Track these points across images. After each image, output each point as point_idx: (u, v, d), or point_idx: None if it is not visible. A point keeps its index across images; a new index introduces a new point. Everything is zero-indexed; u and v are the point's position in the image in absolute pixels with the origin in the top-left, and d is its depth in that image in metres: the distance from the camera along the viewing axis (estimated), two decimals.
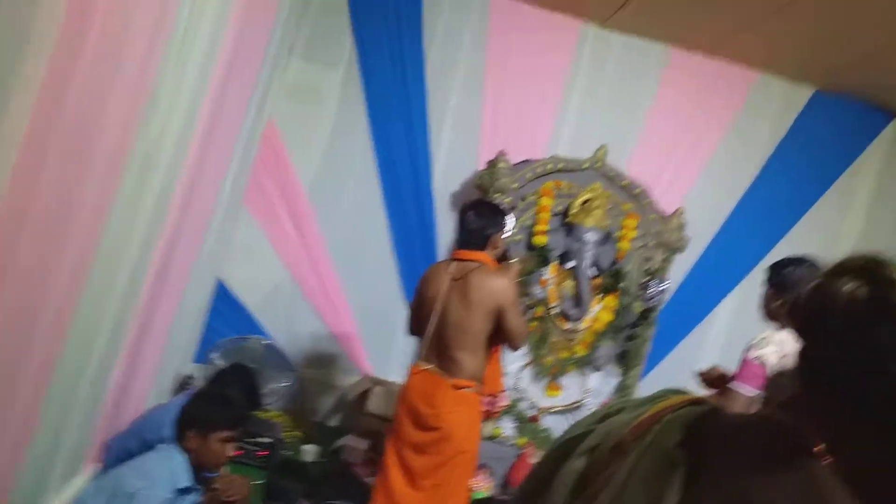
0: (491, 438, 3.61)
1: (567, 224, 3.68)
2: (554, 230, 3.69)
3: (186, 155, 2.26)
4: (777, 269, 2.37)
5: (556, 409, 3.81)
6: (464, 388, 2.65)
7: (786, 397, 0.76)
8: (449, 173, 3.99)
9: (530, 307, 3.67)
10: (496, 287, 2.63)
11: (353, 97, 3.91)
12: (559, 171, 3.71)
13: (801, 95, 4.11)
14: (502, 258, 2.88)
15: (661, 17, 3.66)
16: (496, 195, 3.58)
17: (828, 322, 0.71)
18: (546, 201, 3.66)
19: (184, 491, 2.12)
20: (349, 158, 3.95)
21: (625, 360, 3.85)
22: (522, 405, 3.77)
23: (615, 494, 0.75)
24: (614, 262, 3.76)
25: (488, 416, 2.92)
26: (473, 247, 2.73)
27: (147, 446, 2.24)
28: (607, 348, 3.80)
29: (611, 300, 3.77)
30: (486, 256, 2.72)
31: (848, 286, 0.69)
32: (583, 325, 3.74)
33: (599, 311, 3.76)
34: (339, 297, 4.00)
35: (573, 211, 3.65)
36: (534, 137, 3.97)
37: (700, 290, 4.14)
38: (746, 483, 0.69)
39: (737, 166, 4.14)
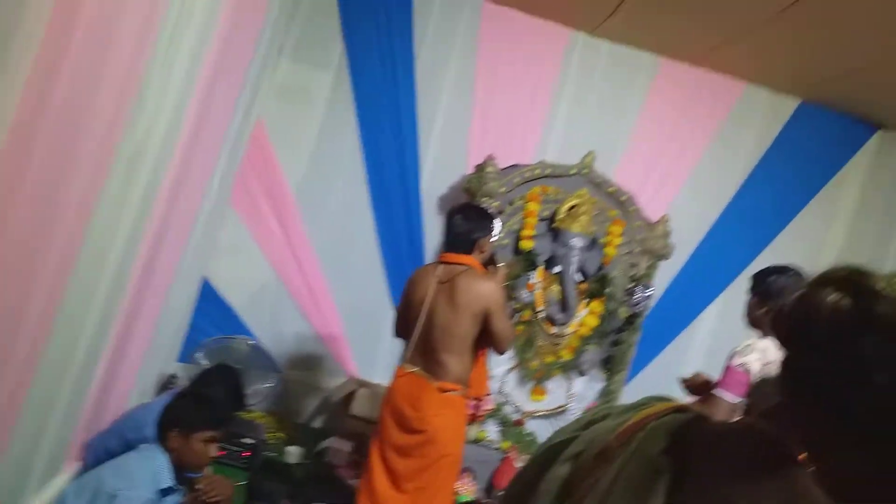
0: (476, 442, 3.61)
1: (554, 229, 3.70)
2: (541, 235, 3.71)
3: (173, 154, 2.25)
4: (761, 278, 2.39)
5: (541, 413, 3.82)
6: (449, 391, 2.65)
7: (769, 406, 0.77)
8: (437, 176, 3.99)
9: (517, 311, 3.68)
10: (483, 290, 2.64)
11: (342, 99, 3.91)
12: (546, 176, 3.73)
13: (786, 106, 4.15)
14: (489, 262, 2.89)
15: (650, 27, 3.69)
16: (484, 199, 3.59)
17: (812, 333, 0.71)
18: (533, 206, 3.67)
19: (166, 491, 2.10)
20: (337, 160, 3.94)
21: (609, 365, 3.87)
22: (507, 409, 3.77)
23: (599, 501, 0.76)
24: (600, 268, 3.78)
25: (473, 419, 2.92)
26: (461, 250, 2.73)
27: (129, 446, 2.22)
28: (592, 353, 3.82)
29: (596, 305, 3.78)
30: (473, 260, 2.73)
31: (832, 297, 0.70)
32: (569, 329, 3.76)
33: (585, 316, 3.78)
34: (326, 298, 3.99)
35: (560, 216, 3.67)
36: (522, 142, 3.99)
37: (684, 297, 4.17)
38: (730, 490, 0.69)
39: (722, 175, 4.18)
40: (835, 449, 0.70)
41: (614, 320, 3.82)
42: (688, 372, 2.56)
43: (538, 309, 3.72)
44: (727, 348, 2.31)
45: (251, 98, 3.31)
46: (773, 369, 2.10)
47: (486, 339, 2.71)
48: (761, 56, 3.69)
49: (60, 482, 2.21)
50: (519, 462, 3.64)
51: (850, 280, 0.71)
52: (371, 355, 3.99)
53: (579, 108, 4.04)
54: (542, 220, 3.71)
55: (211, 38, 2.23)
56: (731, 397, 2.19)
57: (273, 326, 3.95)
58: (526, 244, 3.68)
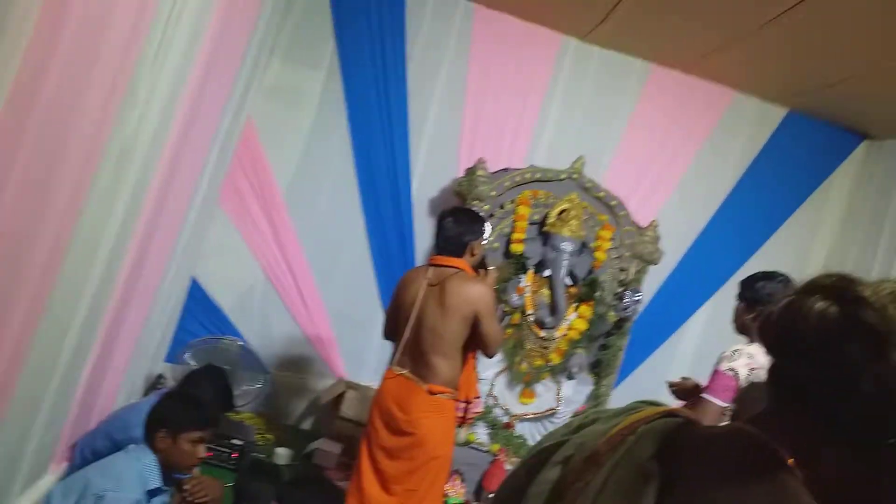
0: (465, 444, 3.61)
1: (544, 233, 3.71)
2: (531, 239, 3.72)
3: (162, 153, 2.24)
4: (749, 284, 2.41)
5: (530, 416, 3.82)
6: (438, 393, 2.65)
7: (757, 413, 0.78)
8: (428, 179, 4.00)
9: (506, 314, 3.69)
10: (473, 293, 2.64)
11: (333, 100, 3.90)
12: (537, 180, 3.74)
13: (775, 115, 4.19)
14: (480, 265, 2.89)
15: (641, 34, 3.71)
16: (474, 202, 3.60)
17: (799, 340, 0.72)
18: (523, 210, 3.68)
19: (153, 492, 2.09)
20: (328, 161, 3.94)
21: (598, 368, 3.88)
22: (497, 412, 3.78)
23: None
24: (590, 272, 3.79)
25: (462, 421, 2.92)
26: (451, 253, 2.73)
27: (116, 446, 2.21)
28: (581, 357, 3.83)
29: (586, 309, 3.80)
30: (463, 263, 2.73)
31: (819, 304, 0.71)
32: (558, 333, 3.77)
33: (574, 319, 3.79)
34: (315, 299, 3.98)
35: (550, 220, 3.68)
36: (513, 146, 4.00)
37: (673, 302, 4.19)
38: (719, 494, 0.70)
39: (711, 182, 4.21)
40: (822, 455, 0.70)
41: (603, 324, 3.83)
42: (676, 376, 2.57)
43: (528, 312, 3.72)
44: (715, 353, 2.33)
45: (241, 98, 3.30)
46: (761, 374, 2.11)
47: (475, 342, 2.71)
48: (751, 65, 3.72)
49: (46, 483, 2.20)
50: (508, 465, 3.64)
51: (836, 288, 0.72)
52: (360, 357, 3.99)
53: (570, 112, 4.06)
54: (532, 223, 3.72)
55: (202, 38, 2.22)
56: (718, 402, 2.20)
57: (262, 327, 3.94)
58: (516, 247, 3.68)
